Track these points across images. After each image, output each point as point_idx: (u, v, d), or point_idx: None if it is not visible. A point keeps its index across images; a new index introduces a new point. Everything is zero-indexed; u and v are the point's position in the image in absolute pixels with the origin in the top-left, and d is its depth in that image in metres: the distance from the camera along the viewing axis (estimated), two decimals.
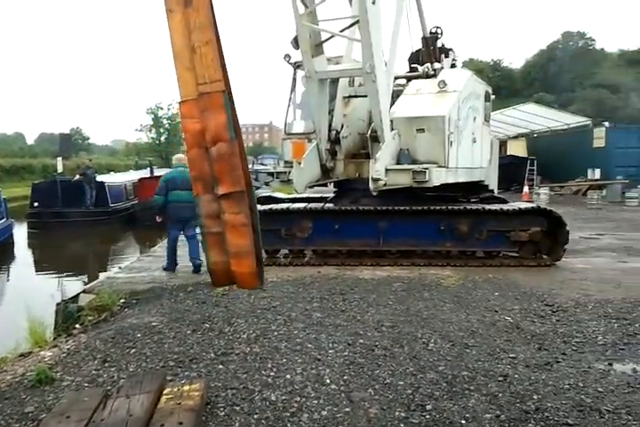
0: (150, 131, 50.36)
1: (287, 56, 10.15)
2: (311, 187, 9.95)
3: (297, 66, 10.29)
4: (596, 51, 55.81)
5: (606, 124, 29.66)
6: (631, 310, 7.04)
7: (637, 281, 8.72)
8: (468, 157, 10.45)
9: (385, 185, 8.98)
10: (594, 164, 26.98)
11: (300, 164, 9.46)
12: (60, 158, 26.33)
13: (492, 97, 11.75)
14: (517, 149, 32.49)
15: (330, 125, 9.98)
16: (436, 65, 10.78)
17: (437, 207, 9.71)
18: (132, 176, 28.60)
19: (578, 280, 8.76)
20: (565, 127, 32.99)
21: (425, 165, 9.09)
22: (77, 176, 23.46)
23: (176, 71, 5.38)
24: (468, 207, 9.92)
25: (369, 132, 9.72)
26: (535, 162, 29.38)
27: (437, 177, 9.16)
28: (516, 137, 35.11)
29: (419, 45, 11.89)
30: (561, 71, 51.11)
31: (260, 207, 10.13)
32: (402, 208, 9.63)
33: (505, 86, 49.15)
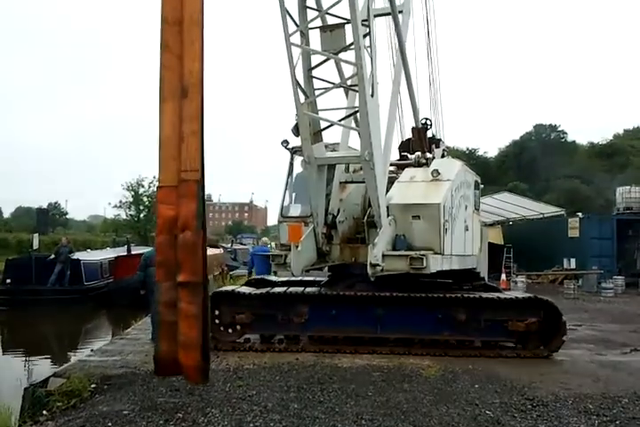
0: (129, 208, 50.22)
1: (285, 142, 10.38)
2: (307, 271, 9.87)
3: (294, 151, 10.51)
4: (568, 143, 58.52)
5: (580, 214, 30.47)
6: (611, 406, 6.92)
7: (616, 375, 8.68)
8: (461, 245, 10.53)
9: (382, 271, 8.93)
10: (569, 253, 27.42)
11: (297, 247, 9.42)
12: (36, 234, 26.02)
13: (481, 186, 12.04)
14: (494, 236, 32.98)
15: (326, 210, 10.05)
16: (427, 155, 11.12)
17: (436, 295, 9.62)
18: (109, 254, 28.17)
19: (557, 373, 8.65)
20: (540, 216, 33.79)
21: (422, 252, 9.11)
22: (53, 255, 23.17)
23: (160, 157, 5.52)
24: (466, 296, 9.86)
25: (365, 218, 9.80)
26: (512, 250, 29.77)
27: (434, 264, 9.17)
28: (492, 224, 35.81)
29: (408, 135, 12.32)
30: (534, 161, 53.22)
31: (255, 291, 10.09)
32: (400, 295, 9.51)
33: (480, 175, 50.61)
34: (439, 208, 9.44)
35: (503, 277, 24.67)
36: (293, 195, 10.93)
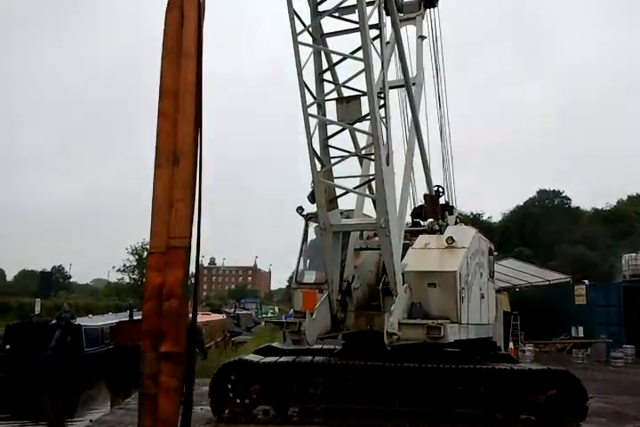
0: (133, 272, 50.04)
1: (300, 208, 10.46)
2: (321, 339, 9.67)
3: (309, 218, 10.57)
4: (572, 209, 58.82)
5: (586, 281, 30.25)
6: None
7: None
8: (477, 313, 10.38)
9: (398, 340, 8.75)
10: (577, 321, 27.04)
11: (312, 315, 9.29)
12: (38, 299, 25.90)
13: (495, 253, 12.01)
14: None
15: (341, 277, 9.98)
16: (441, 221, 11.17)
17: (457, 367, 9.38)
18: (111, 319, 27.76)
19: None
20: (546, 283, 33.52)
21: (439, 321, 8.96)
22: (54, 320, 22.89)
23: (152, 222, 5.57)
24: (487, 367, 9.60)
25: (380, 285, 9.72)
26: (519, 317, 29.32)
27: (452, 333, 9.00)
28: (498, 291, 35.38)
29: (419, 201, 12.44)
30: (538, 227, 53.36)
31: (266, 359, 9.87)
32: (419, 366, 9.25)
33: None
34: (455, 276, 9.38)
35: (511, 345, 24.18)
36: (307, 261, 10.89)
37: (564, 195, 60.04)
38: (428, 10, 12.18)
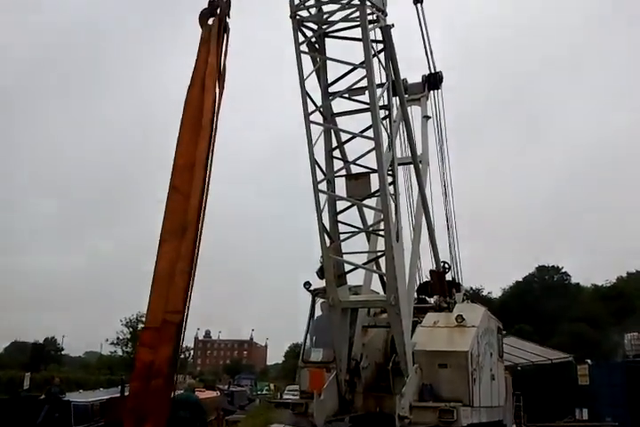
0: (126, 345, 48.82)
1: (307, 284, 10.35)
2: (329, 422, 9.23)
3: (316, 293, 10.43)
4: (571, 285, 58.40)
5: (589, 361, 29.54)
6: None
7: None
8: (489, 395, 10.04)
9: (410, 424, 8.38)
10: (581, 402, 26.17)
11: (320, 395, 8.93)
12: (28, 374, 25.08)
13: (504, 332, 11.78)
14: None
15: (349, 355, 9.70)
16: (448, 299, 11.04)
17: None
18: (101, 395, 26.74)
19: None
20: (548, 362, 32.71)
21: (452, 404, 8.63)
22: (43, 395, 22.09)
23: (150, 297, 5.51)
24: None
25: (390, 364, 9.42)
26: (521, 397, 28.33)
27: (465, 416, 8.65)
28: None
29: (425, 277, 12.33)
30: (538, 303, 52.75)
31: None
32: None
33: None
34: (467, 356, 9.14)
35: None
36: (314, 338, 10.64)
37: (563, 271, 59.88)
38: (431, 91, 12.63)
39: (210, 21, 6.30)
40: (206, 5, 6.42)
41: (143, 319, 45.86)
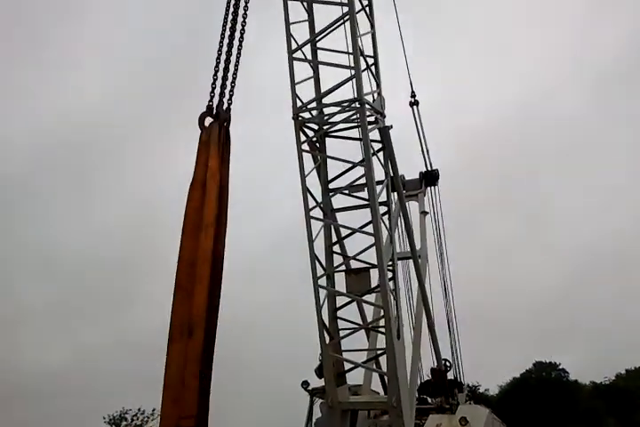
0: None
1: (305, 383, 9.99)
2: None
3: (314, 393, 10.04)
4: (570, 382, 56.68)
5: None
6: None
7: None
8: None
9: None
10: None
11: None
12: None
13: None
14: None
15: None
16: (451, 400, 10.65)
17: None
18: None
19: None
20: None
21: None
22: None
23: (162, 402, 5.28)
24: None
25: None
26: None
27: None
28: None
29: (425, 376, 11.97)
30: (536, 401, 50.88)
31: None
32: None
33: None
34: None
35: None
36: None
37: (560, 367, 58.32)
38: (428, 187, 12.93)
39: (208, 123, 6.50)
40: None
41: (127, 416, 43.30)
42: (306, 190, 9.10)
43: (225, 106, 6.70)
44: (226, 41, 7.21)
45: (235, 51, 7.13)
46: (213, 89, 6.76)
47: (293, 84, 9.15)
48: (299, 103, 9.17)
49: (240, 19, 7.52)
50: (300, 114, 9.20)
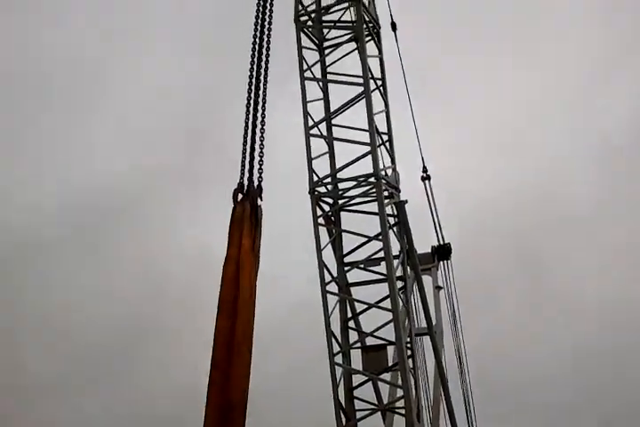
0: None
1: None
2: None
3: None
4: None
5: None
6: None
7: None
8: None
9: None
10: None
11: None
12: None
13: None
14: None
15: None
16: None
17: None
18: None
19: None
20: None
21: None
22: None
23: None
24: None
25: None
26: None
27: None
28: None
29: None
30: None
31: None
32: None
33: None
34: None
35: None
36: None
37: None
38: (441, 261, 12.82)
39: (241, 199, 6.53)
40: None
41: None
42: (322, 264, 9.02)
43: (255, 183, 6.71)
44: (251, 118, 7.28)
45: (258, 128, 7.19)
46: (243, 166, 6.83)
47: (310, 159, 9.32)
48: (315, 178, 9.29)
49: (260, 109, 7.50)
50: (317, 188, 9.29)
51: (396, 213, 9.46)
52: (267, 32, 7.55)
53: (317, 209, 9.25)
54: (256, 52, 7.43)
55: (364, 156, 9.09)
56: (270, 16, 7.69)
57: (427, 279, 12.62)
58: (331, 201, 9.52)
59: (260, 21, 7.62)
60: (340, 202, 9.48)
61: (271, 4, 7.73)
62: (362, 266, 9.38)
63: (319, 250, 9.09)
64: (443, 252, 12.72)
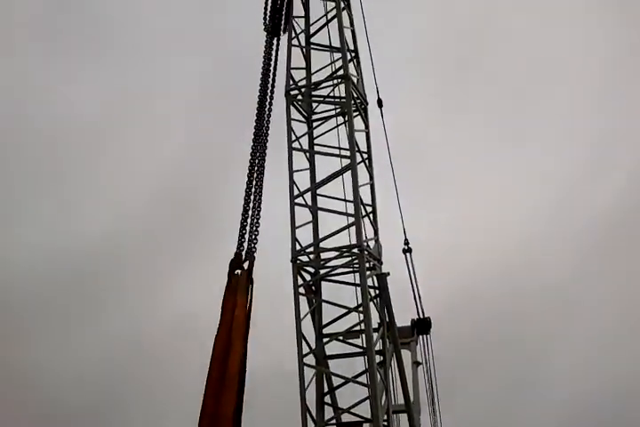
0: None
1: None
2: None
3: None
4: None
5: None
6: None
7: None
8: None
9: None
10: None
11: None
12: None
13: None
14: None
15: None
16: None
17: None
18: None
19: None
20: None
21: None
22: None
23: None
24: None
25: None
26: None
27: None
28: None
29: None
30: None
31: None
32: None
33: None
34: None
35: None
36: None
37: None
38: (420, 336, 12.63)
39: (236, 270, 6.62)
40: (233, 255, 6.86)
41: None
42: (300, 335, 8.83)
43: (250, 252, 6.93)
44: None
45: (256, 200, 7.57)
46: (241, 237, 7.07)
47: (294, 228, 9.33)
48: (297, 247, 9.26)
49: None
50: (299, 257, 9.25)
51: (377, 284, 9.41)
52: (266, 119, 8.39)
53: (299, 278, 9.18)
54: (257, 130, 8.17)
55: (348, 226, 9.15)
56: (270, 109, 8.75)
57: (405, 354, 12.39)
58: (312, 270, 9.47)
59: (259, 115, 8.49)
60: (322, 272, 9.43)
61: (272, 93, 8.67)
62: (341, 338, 9.22)
63: (298, 320, 8.92)
64: (422, 326, 12.57)
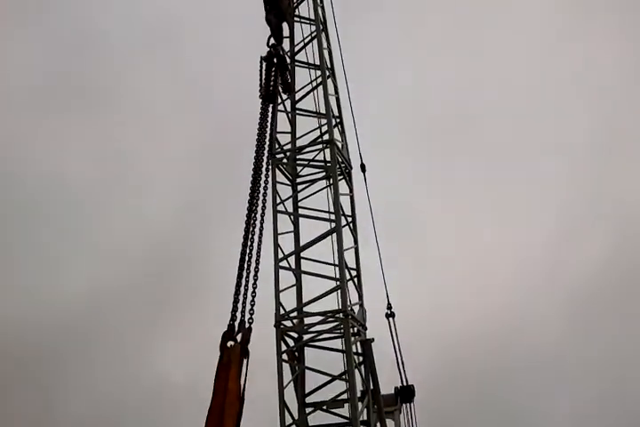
0: None
1: None
2: None
3: None
4: None
5: None
6: None
7: None
8: None
9: None
10: None
11: None
12: None
13: None
14: None
15: None
16: None
17: None
18: None
19: None
20: None
21: None
22: None
23: None
24: None
25: None
26: None
27: None
28: None
29: None
30: None
31: None
32: None
33: None
34: None
35: None
36: None
37: None
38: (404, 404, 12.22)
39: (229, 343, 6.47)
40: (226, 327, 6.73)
41: None
42: (283, 404, 8.51)
43: (246, 325, 6.80)
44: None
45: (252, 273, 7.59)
46: (235, 308, 6.96)
47: (278, 291, 9.17)
48: (282, 311, 9.07)
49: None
50: (282, 322, 9.04)
51: (361, 351, 9.18)
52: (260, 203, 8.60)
53: (282, 344, 8.94)
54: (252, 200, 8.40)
55: (332, 291, 9.01)
56: (267, 175, 8.95)
57: (389, 424, 11.94)
58: (295, 335, 9.24)
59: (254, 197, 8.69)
60: (305, 337, 9.21)
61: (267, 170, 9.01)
62: (324, 407, 8.90)
63: (281, 388, 8.62)
64: (406, 394, 12.18)
